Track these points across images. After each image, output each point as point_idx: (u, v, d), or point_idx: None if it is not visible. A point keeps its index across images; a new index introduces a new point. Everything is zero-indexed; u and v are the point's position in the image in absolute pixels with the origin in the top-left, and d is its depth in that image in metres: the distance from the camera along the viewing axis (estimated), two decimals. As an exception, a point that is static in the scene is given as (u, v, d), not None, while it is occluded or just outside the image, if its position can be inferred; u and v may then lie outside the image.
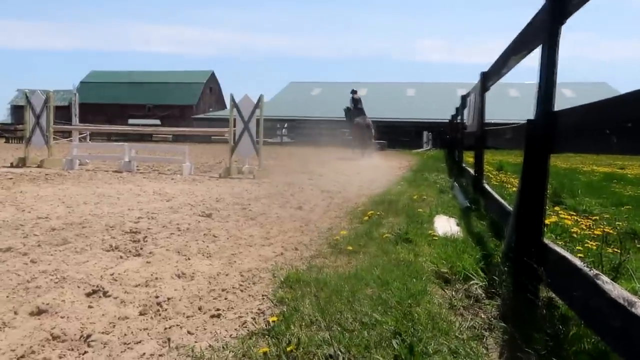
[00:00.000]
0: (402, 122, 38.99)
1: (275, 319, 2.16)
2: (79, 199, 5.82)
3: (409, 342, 1.88)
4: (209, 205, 5.60)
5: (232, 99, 9.87)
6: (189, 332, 2.14)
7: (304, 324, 2.11)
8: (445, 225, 4.17)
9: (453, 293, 2.53)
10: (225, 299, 2.55)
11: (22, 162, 10.83)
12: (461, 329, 2.07)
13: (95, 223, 4.32)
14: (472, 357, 1.84)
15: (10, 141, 27.92)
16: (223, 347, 1.95)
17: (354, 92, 20.38)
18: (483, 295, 2.48)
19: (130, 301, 2.48)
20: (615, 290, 1.56)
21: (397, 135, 35.65)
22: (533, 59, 2.88)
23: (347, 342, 1.90)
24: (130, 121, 48.11)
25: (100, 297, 2.54)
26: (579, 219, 4.20)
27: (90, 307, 2.39)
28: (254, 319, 2.25)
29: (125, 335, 2.10)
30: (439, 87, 47.92)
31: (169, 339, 2.06)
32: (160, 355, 1.93)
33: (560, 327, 1.95)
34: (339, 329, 2.03)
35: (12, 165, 10.67)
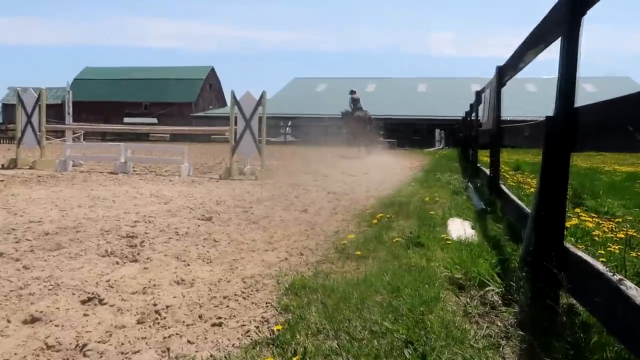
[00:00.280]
0: (413, 119, 38.95)
1: (280, 327, 2.17)
2: (72, 201, 5.86)
3: (422, 352, 1.88)
4: (209, 208, 5.62)
5: (233, 96, 9.90)
6: (189, 342, 2.15)
7: (310, 332, 2.11)
8: (459, 229, 4.16)
9: (468, 300, 2.53)
10: (227, 306, 2.56)
11: (13, 164, 10.91)
12: (476, 337, 2.07)
13: (90, 227, 4.35)
14: (488, 367, 1.84)
15: (0, 141, 28.10)
16: (225, 357, 1.96)
17: (352, 92, 20.72)
18: (500, 302, 2.48)
19: (127, 309, 2.50)
20: (640, 296, 1.56)
21: (407, 133, 35.66)
22: (552, 52, 2.88)
23: (356, 351, 1.91)
24: (126, 120, 48.35)
25: (96, 304, 2.56)
26: (600, 221, 4.18)
27: (85, 315, 2.40)
28: (257, 327, 2.26)
29: (122, 344, 2.12)
30: (451, 82, 47.82)
31: (168, 349, 2.07)
32: (159, 366, 1.94)
33: (582, 335, 1.95)
34: (347, 337, 2.03)
35: (2, 167, 10.75)
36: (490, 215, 4.92)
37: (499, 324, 2.24)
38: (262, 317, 2.38)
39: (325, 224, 4.89)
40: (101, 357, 2.00)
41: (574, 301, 2.20)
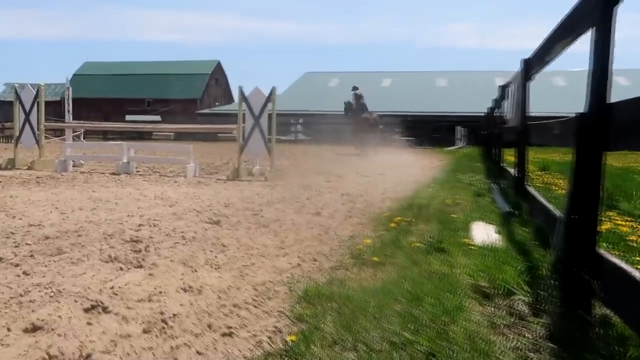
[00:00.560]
0: (432, 116, 38.82)
1: (293, 338, 2.17)
2: (73, 204, 5.92)
3: (445, 365, 1.88)
4: (216, 211, 5.65)
5: (241, 92, 9.94)
6: (198, 352, 2.16)
7: (325, 343, 2.12)
8: (483, 233, 4.15)
9: (493, 309, 2.52)
10: (238, 315, 2.58)
11: (11, 164, 11.05)
12: (503, 350, 2.06)
13: (92, 231, 4.39)
14: (517, 382, 1.83)
15: (-3, 140, 28.47)
16: (236, 369, 1.97)
17: (355, 88, 21.77)
18: (528, 312, 2.47)
19: (133, 317, 2.52)
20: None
21: (426, 131, 35.57)
22: (583, 43, 2.85)
23: (375, 364, 1.91)
24: (128, 117, 48.75)
25: (99, 312, 2.58)
26: (635, 225, 4.14)
27: (89, 323, 2.43)
28: (269, 337, 2.28)
29: (128, 355, 2.14)
30: (473, 76, 47.60)
31: (176, 360, 2.09)
32: (167, 378, 1.96)
33: (617, 348, 1.94)
34: (365, 349, 2.04)
35: (0, 167, 10.89)
36: (516, 218, 4.90)
37: (528, 335, 2.23)
38: (275, 327, 2.39)
39: (339, 227, 4.90)
40: (106, 368, 2.03)
41: (609, 311, 2.19)
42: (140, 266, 3.41)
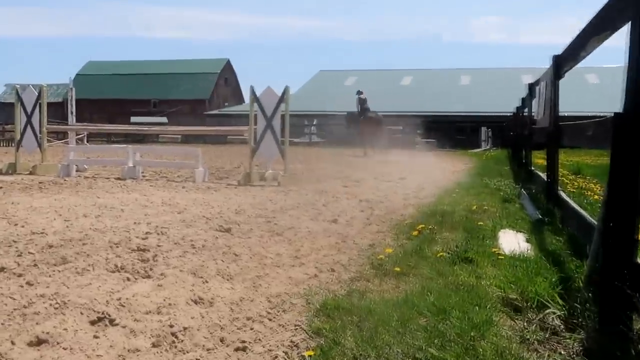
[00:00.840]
0: (455, 116, 38.68)
1: (311, 353, 2.18)
2: (77, 210, 5.99)
3: (474, 383, 1.87)
4: (227, 218, 5.68)
5: (253, 92, 9.99)
6: (210, 368, 2.18)
7: (345, 359, 2.12)
8: (513, 242, 4.13)
9: (525, 324, 2.51)
10: (252, 329, 2.59)
11: (12, 169, 11.19)
12: (536, 367, 2.04)
13: (98, 239, 4.44)
14: (551, 402, 1.82)
15: (-3, 144, 28.87)
16: (251, 386, 1.98)
17: (359, 92, 22.93)
18: (562, 326, 2.45)
19: (141, 330, 2.55)
20: None
21: (449, 132, 35.44)
22: (618, 38, 2.83)
23: (399, 381, 1.91)
24: (133, 119, 49.08)
25: (106, 325, 2.61)
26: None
27: (95, 337, 2.46)
28: (286, 353, 2.28)
29: (137, 370, 2.16)
30: (499, 73, 47.35)
31: (187, 376, 2.10)
32: (178, 395, 1.97)
33: (660, 366, 1.91)
34: (387, 366, 2.03)
35: (0, 173, 11.04)
36: (547, 226, 4.87)
37: (562, 352, 2.21)
38: (291, 342, 2.40)
39: (358, 236, 4.90)
40: (114, 384, 2.05)
41: (650, 326, 2.16)
42: (148, 276, 3.44)
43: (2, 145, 28.37)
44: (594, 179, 9.23)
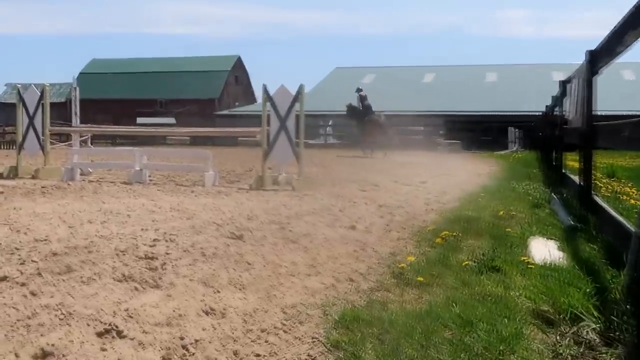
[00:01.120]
0: (481, 115, 38.50)
1: (329, 367, 2.19)
2: (82, 216, 6.05)
3: (503, 400, 1.86)
4: (239, 225, 5.71)
5: (265, 91, 10.02)
6: (223, 383, 2.19)
7: (366, 374, 2.13)
8: (543, 250, 4.11)
9: (557, 338, 2.50)
10: (266, 341, 2.60)
11: (13, 172, 11.33)
12: (570, 384, 2.03)
13: (104, 246, 4.49)
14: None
15: (-2, 146, 29.27)
16: (266, 402, 1.99)
17: (359, 90, 24.10)
18: (598, 341, 2.43)
19: (150, 343, 2.57)
20: None
21: (474, 132, 35.29)
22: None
23: (423, 398, 1.91)
24: (139, 120, 49.49)
25: (114, 337, 2.64)
26: None
27: (103, 349, 2.48)
28: (302, 367, 2.29)
29: (146, 384, 2.18)
30: (528, 70, 47.11)
31: (199, 391, 2.12)
32: (189, 411, 1.99)
33: None
34: (411, 381, 2.04)
35: (1, 176, 11.16)
36: (581, 233, 4.84)
37: (598, 367, 2.19)
38: (308, 355, 2.41)
39: (377, 243, 4.90)
40: (123, 399, 2.07)
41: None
42: (157, 286, 3.47)
43: (2, 147, 28.77)
44: (629, 182, 9.14)
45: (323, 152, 24.78)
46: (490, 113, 38.59)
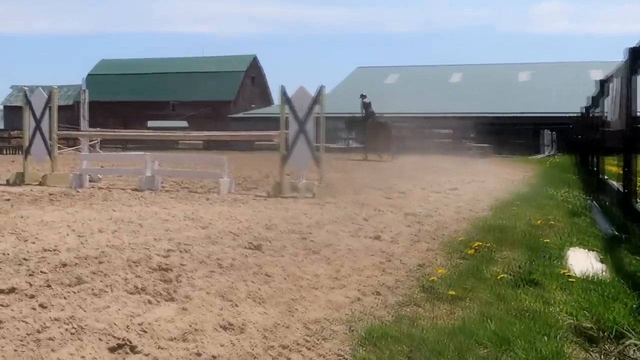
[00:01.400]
0: (513, 117, 38.24)
1: (357, 387, 2.18)
2: (92, 225, 6.11)
3: None
4: (257, 234, 5.73)
5: (283, 92, 10.05)
6: (243, 403, 2.19)
7: (396, 395, 2.12)
8: (584, 262, 4.08)
9: (601, 356, 2.48)
10: (288, 359, 2.60)
11: (20, 179, 11.47)
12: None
13: (115, 257, 4.53)
14: None
15: (4, 152, 29.66)
16: None
17: (363, 96, 26.14)
18: (646, 360, 2.40)
19: (166, 359, 2.58)
20: None
21: (505, 135, 35.04)
22: None
23: (458, 421, 1.89)
24: (150, 123, 49.87)
25: (127, 353, 2.65)
26: None
27: (116, 366, 2.50)
28: (328, 386, 2.29)
29: (162, 404, 2.19)
30: (563, 68, 46.71)
31: (218, 411, 2.12)
32: None
33: None
34: (444, 403, 2.02)
35: (8, 183, 11.32)
36: (624, 244, 4.80)
37: (647, 389, 2.16)
38: (334, 374, 2.40)
39: (405, 254, 4.88)
40: (138, 418, 2.08)
41: None
42: (172, 299, 3.49)
43: (8, 152, 29.14)
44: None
45: (345, 157, 24.75)
46: (522, 115, 38.33)
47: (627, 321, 2.74)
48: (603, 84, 8.84)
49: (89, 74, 58.46)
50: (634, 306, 2.95)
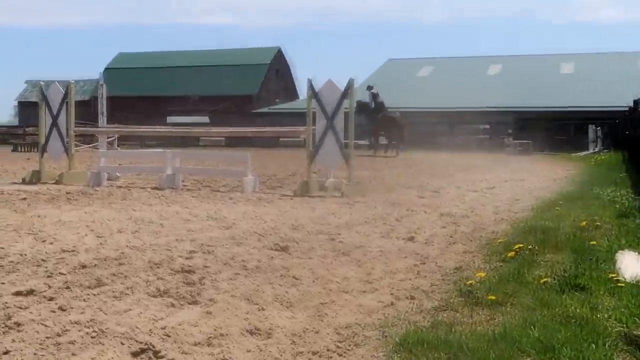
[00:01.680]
0: (555, 112, 37.82)
1: (392, 395, 2.18)
2: (111, 225, 6.20)
3: None
4: (283, 235, 5.75)
5: (310, 86, 10.06)
6: (272, 411, 2.21)
7: (433, 404, 2.12)
8: (635, 266, 4.03)
9: (655, 367, 2.44)
10: (319, 365, 2.61)
11: (36, 177, 11.63)
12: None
13: (136, 258, 4.59)
14: None
15: (19, 149, 30.09)
16: None
17: (370, 87, 26.28)
18: None
19: (190, 365, 2.61)
20: None
21: (547, 131, 34.64)
22: None
23: None
24: (170, 119, 50.28)
25: (150, 357, 2.69)
26: None
27: (139, 371, 2.54)
28: (361, 395, 2.29)
29: (187, 411, 2.21)
30: (611, 58, 46.04)
31: (246, 419, 2.14)
32: None
33: None
34: (486, 413, 2.02)
35: (24, 182, 11.50)
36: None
37: None
38: (367, 382, 2.41)
39: (440, 257, 4.87)
40: None
41: None
42: (196, 302, 3.52)
43: (23, 150, 29.52)
44: None
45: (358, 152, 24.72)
46: (565, 109, 37.84)
47: (682, 329, 2.71)
48: (654, 75, 8.71)
49: (106, 68, 58.98)
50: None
